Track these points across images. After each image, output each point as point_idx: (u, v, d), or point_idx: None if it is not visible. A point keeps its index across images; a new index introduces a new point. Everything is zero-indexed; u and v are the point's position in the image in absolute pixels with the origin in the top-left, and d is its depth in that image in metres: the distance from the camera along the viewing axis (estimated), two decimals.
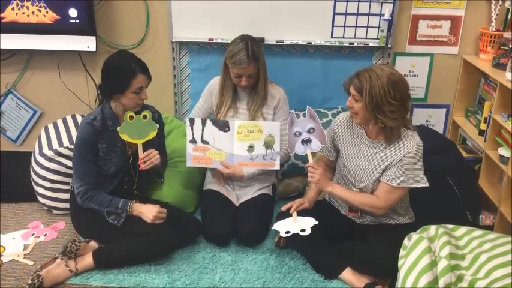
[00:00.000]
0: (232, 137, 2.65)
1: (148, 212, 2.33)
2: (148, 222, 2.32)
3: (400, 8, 3.03)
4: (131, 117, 2.33)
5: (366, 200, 2.29)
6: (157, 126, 2.42)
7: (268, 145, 2.63)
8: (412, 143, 2.18)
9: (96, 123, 2.32)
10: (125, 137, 2.34)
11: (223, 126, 2.65)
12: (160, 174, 2.62)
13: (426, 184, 2.21)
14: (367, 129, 2.29)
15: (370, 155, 2.28)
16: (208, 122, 2.65)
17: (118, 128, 2.32)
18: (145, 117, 2.38)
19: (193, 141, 2.66)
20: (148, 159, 2.37)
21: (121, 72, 2.26)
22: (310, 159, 2.36)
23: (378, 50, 3.15)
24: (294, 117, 2.42)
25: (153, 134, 2.40)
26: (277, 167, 2.65)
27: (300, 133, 2.39)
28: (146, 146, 2.40)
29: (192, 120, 2.66)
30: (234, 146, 2.65)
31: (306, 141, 2.38)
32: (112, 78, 2.29)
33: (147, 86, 2.34)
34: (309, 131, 2.38)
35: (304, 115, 2.45)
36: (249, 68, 2.53)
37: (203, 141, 2.65)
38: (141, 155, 2.37)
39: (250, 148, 2.64)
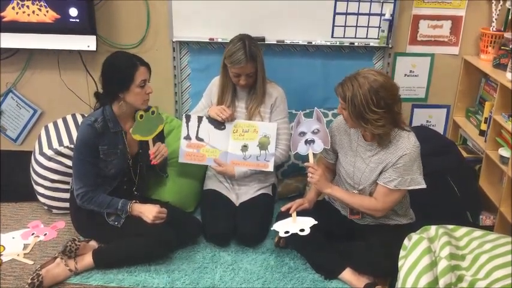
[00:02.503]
0: (227, 135, 2.66)
1: (148, 212, 2.33)
2: (148, 222, 2.32)
3: (400, 8, 3.02)
4: (141, 116, 2.34)
5: (364, 203, 2.29)
6: (164, 118, 2.45)
7: (262, 146, 2.64)
8: (407, 145, 2.17)
9: (97, 125, 2.31)
10: (137, 137, 2.35)
11: (219, 124, 2.66)
12: (164, 169, 2.63)
13: (423, 186, 2.21)
14: (363, 132, 2.29)
15: (367, 158, 2.28)
16: (205, 119, 2.67)
17: (130, 130, 2.34)
18: (153, 112, 2.41)
19: (187, 137, 2.68)
20: (158, 152, 2.39)
21: (122, 68, 2.27)
22: (311, 160, 2.36)
23: (379, 50, 3.15)
24: (301, 118, 2.43)
25: (161, 127, 2.45)
26: (270, 168, 2.65)
27: (305, 133, 2.40)
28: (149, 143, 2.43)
29: (188, 117, 2.68)
30: (229, 144, 2.65)
31: (310, 142, 2.38)
32: (114, 77, 2.29)
33: (149, 80, 2.34)
34: (313, 132, 2.38)
35: (305, 115, 2.46)
36: (247, 67, 2.53)
37: (198, 138, 2.67)
38: (151, 150, 2.39)
39: (244, 147, 2.64)
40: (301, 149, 2.41)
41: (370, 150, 2.27)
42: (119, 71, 2.28)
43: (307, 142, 2.39)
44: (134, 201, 2.38)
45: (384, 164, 2.21)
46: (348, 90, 2.09)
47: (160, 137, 2.56)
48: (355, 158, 2.32)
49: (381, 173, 2.24)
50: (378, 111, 2.07)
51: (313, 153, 2.39)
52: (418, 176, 2.21)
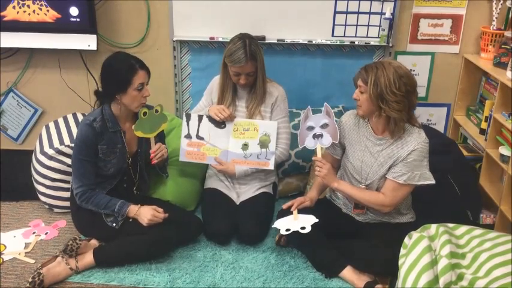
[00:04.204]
0: (228, 133, 2.66)
1: (143, 215, 2.34)
2: (143, 225, 2.33)
3: (401, 6, 3.03)
4: (145, 114, 2.35)
5: (372, 198, 2.29)
6: (168, 118, 2.45)
7: (263, 144, 2.64)
8: (418, 140, 2.20)
9: (96, 124, 2.32)
10: (139, 133, 2.36)
11: (220, 123, 2.66)
12: (165, 168, 2.63)
13: (433, 181, 2.22)
14: (373, 125, 2.30)
15: (376, 152, 2.29)
16: (205, 118, 2.67)
17: (133, 127, 2.35)
18: (156, 111, 2.41)
19: (188, 136, 2.68)
20: (159, 152, 2.40)
21: (121, 71, 2.27)
22: (319, 154, 2.37)
23: (379, 48, 3.15)
24: (309, 112, 2.44)
25: (164, 126, 2.45)
26: (271, 166, 2.65)
27: (313, 128, 2.40)
28: (148, 142, 2.43)
29: (188, 116, 2.68)
30: (229, 143, 2.65)
31: (318, 136, 2.39)
32: (113, 78, 2.30)
33: (147, 83, 2.35)
34: (322, 126, 2.39)
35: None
36: (247, 67, 2.53)
37: (198, 137, 2.67)
38: (153, 148, 2.40)
39: (245, 146, 2.65)
40: (309, 143, 2.41)
41: (380, 144, 2.28)
42: (118, 73, 2.28)
43: (315, 136, 2.40)
44: (131, 204, 2.38)
45: (394, 158, 2.23)
46: (372, 72, 2.14)
47: (161, 138, 2.56)
48: (364, 152, 2.32)
49: (390, 167, 2.25)
50: (397, 93, 2.11)
51: (321, 148, 2.39)
52: (428, 172, 2.23)
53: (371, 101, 2.17)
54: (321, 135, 2.38)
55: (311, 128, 2.41)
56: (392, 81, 2.11)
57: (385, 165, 2.26)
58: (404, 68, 2.16)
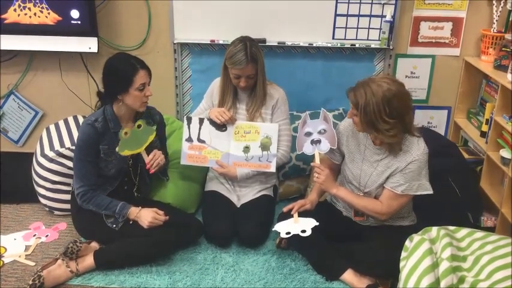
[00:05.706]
0: (229, 136, 2.66)
1: (144, 217, 2.34)
2: (144, 227, 2.33)
3: (401, 9, 3.03)
4: (126, 133, 2.33)
5: (369, 205, 2.29)
6: (154, 127, 2.44)
7: (264, 147, 2.64)
8: (417, 152, 2.17)
9: (98, 124, 2.33)
10: (126, 152, 2.35)
11: (221, 126, 2.66)
12: (165, 172, 2.63)
13: (430, 191, 2.21)
14: (372, 137, 2.29)
15: (375, 161, 2.28)
16: (206, 121, 2.67)
17: (117, 149, 2.33)
18: (139, 126, 2.38)
19: (189, 139, 2.68)
20: (155, 160, 2.39)
21: (122, 71, 2.28)
22: (317, 160, 2.36)
23: (379, 51, 3.15)
24: (307, 118, 2.44)
25: (151, 138, 2.41)
26: (272, 169, 2.65)
27: (311, 133, 2.40)
28: (147, 149, 2.42)
29: (189, 119, 2.68)
30: (231, 145, 2.65)
31: (316, 142, 2.38)
32: (114, 78, 2.31)
33: (149, 83, 2.35)
34: (319, 132, 2.38)
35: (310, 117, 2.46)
36: (248, 69, 2.53)
37: (199, 140, 2.67)
38: (146, 160, 2.38)
39: (246, 149, 2.65)
40: (307, 149, 2.40)
41: (379, 154, 2.27)
42: (119, 74, 2.29)
43: (313, 142, 2.39)
44: (132, 205, 2.38)
45: (393, 168, 2.22)
46: (361, 97, 2.07)
47: (162, 141, 2.56)
48: (362, 161, 2.32)
49: (388, 177, 2.24)
50: (389, 121, 2.05)
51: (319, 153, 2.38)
52: (426, 182, 2.21)
53: (363, 127, 2.14)
54: (319, 141, 2.38)
55: (309, 134, 2.41)
56: (382, 108, 2.03)
57: (383, 174, 2.26)
58: (395, 88, 2.05)
